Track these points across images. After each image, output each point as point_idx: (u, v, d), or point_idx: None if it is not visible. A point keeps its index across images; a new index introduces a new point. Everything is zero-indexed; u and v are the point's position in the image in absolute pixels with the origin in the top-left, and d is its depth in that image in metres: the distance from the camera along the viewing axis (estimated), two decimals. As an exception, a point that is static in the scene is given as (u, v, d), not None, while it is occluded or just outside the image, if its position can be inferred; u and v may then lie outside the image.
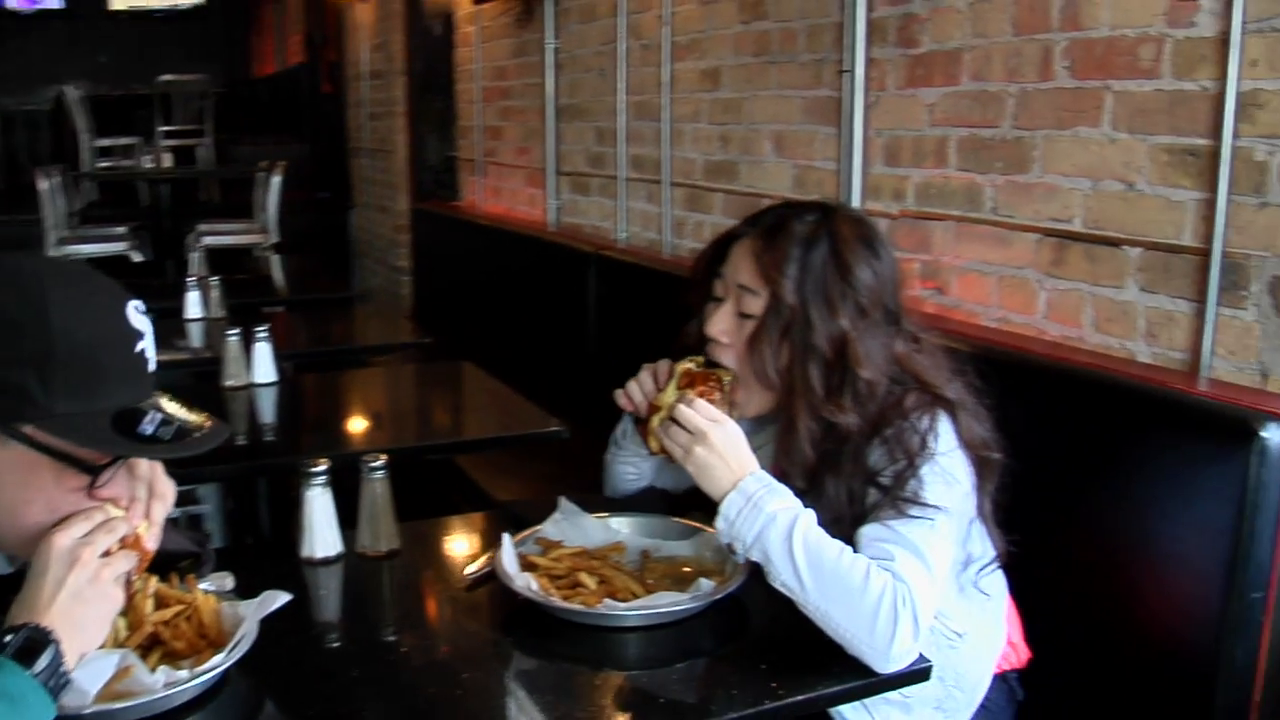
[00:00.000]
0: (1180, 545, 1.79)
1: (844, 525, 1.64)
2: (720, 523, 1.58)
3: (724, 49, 3.61)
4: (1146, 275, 2.19)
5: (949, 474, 1.64)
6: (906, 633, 1.47)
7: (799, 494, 1.62)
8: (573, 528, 1.83)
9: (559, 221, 4.91)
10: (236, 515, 3.62)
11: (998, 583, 1.86)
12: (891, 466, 1.64)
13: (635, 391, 1.85)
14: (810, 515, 1.57)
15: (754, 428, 1.74)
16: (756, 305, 1.74)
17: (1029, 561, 1.82)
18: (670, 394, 1.76)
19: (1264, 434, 1.69)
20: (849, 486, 1.67)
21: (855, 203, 2.97)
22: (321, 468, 1.84)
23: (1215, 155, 2.02)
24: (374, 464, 1.86)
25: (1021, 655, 1.92)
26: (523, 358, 4.32)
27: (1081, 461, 1.98)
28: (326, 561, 1.82)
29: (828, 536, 1.55)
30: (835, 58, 3.03)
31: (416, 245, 6.53)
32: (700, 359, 1.80)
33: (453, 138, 6.34)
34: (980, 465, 1.70)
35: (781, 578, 1.53)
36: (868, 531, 1.60)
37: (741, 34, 3.51)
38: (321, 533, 1.83)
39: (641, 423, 1.83)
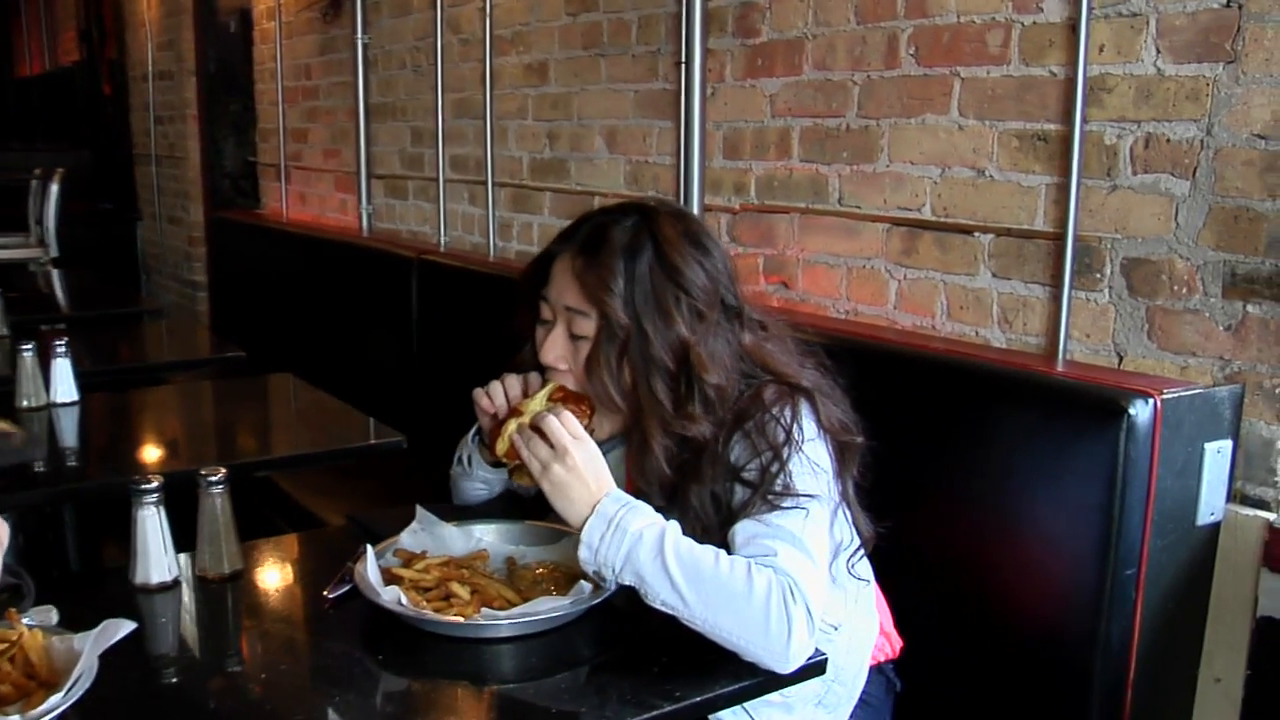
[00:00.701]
0: (1051, 526, 1.84)
1: (713, 533, 1.62)
2: (583, 552, 1.53)
3: (550, 42, 3.57)
4: (999, 261, 2.25)
5: (814, 462, 1.64)
6: (801, 627, 1.46)
7: (661, 510, 1.58)
8: (432, 538, 1.76)
9: (373, 227, 4.79)
10: (29, 550, 3.38)
11: (865, 571, 1.87)
12: (755, 460, 1.63)
13: (499, 392, 1.79)
14: (675, 526, 1.54)
15: (604, 448, 1.71)
16: (588, 326, 1.69)
17: (896, 549, 1.84)
18: (539, 402, 1.71)
19: (1131, 411, 1.75)
20: (712, 491, 1.65)
21: (694, 198, 2.98)
22: (154, 484, 1.72)
23: (1066, 140, 2.09)
24: (213, 478, 1.74)
25: (895, 645, 1.94)
26: (343, 370, 4.18)
27: (945, 448, 2.01)
28: (164, 587, 1.70)
29: (699, 545, 1.52)
30: (671, 49, 3.03)
31: (214, 258, 6.28)
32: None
33: (252, 142, 6.12)
34: (841, 449, 1.70)
35: (661, 597, 1.49)
36: (741, 529, 1.58)
37: (569, 26, 3.48)
38: (156, 555, 1.71)
39: (494, 425, 1.77)
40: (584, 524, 1.53)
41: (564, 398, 1.70)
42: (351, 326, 4.29)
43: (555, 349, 1.73)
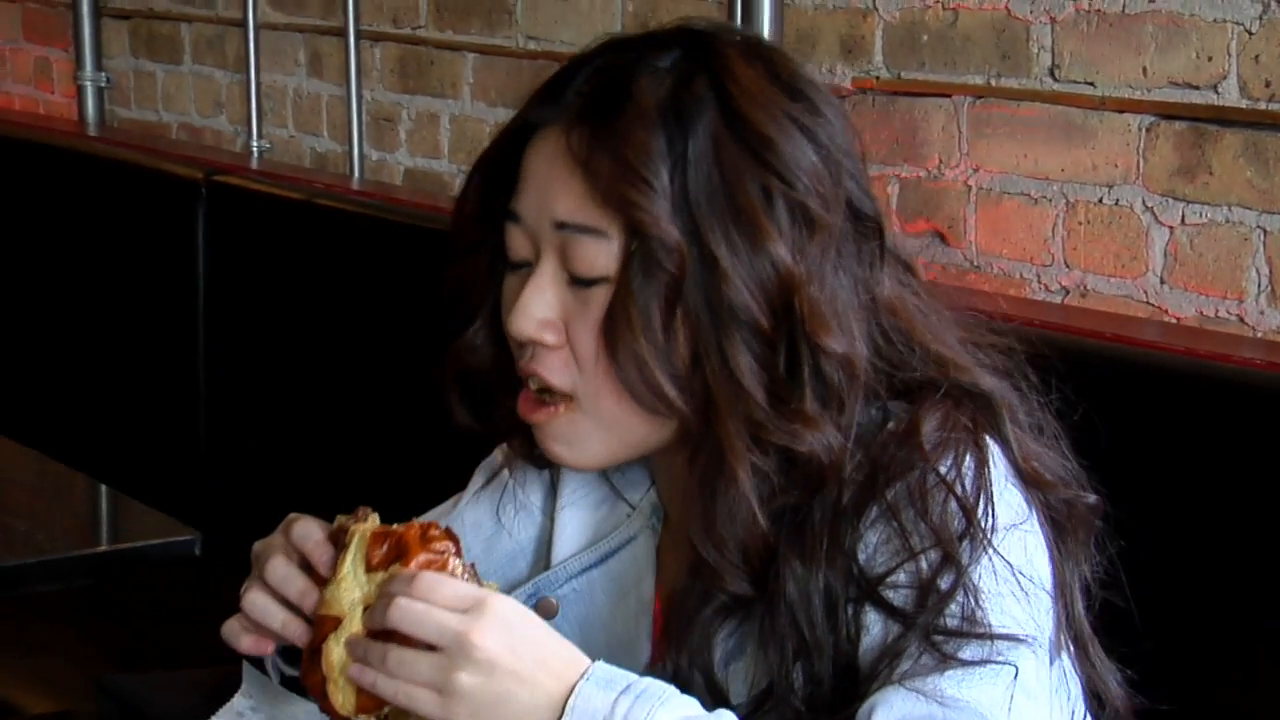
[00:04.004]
0: None
1: (816, 667, 1.62)
2: None
3: None
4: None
5: (1023, 573, 1.63)
6: None
7: (737, 607, 1.63)
8: (276, 726, 1.77)
9: (109, 117, 4.87)
10: None
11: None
12: (907, 564, 1.63)
13: (269, 610, 1.68)
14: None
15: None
16: (603, 258, 1.67)
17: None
18: (355, 582, 1.66)
19: None
20: (826, 582, 1.65)
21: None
22: None
23: None
24: None
25: None
26: (56, 399, 4.21)
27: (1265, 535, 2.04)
28: None
29: None
30: None
31: None
32: (374, 515, 1.68)
33: None
34: (1057, 522, 1.72)
35: None
36: (884, 709, 1.58)
37: None
38: None
39: (305, 663, 1.71)
40: None
41: (391, 550, 1.64)
42: (70, 312, 4.30)
43: (540, 305, 1.70)
